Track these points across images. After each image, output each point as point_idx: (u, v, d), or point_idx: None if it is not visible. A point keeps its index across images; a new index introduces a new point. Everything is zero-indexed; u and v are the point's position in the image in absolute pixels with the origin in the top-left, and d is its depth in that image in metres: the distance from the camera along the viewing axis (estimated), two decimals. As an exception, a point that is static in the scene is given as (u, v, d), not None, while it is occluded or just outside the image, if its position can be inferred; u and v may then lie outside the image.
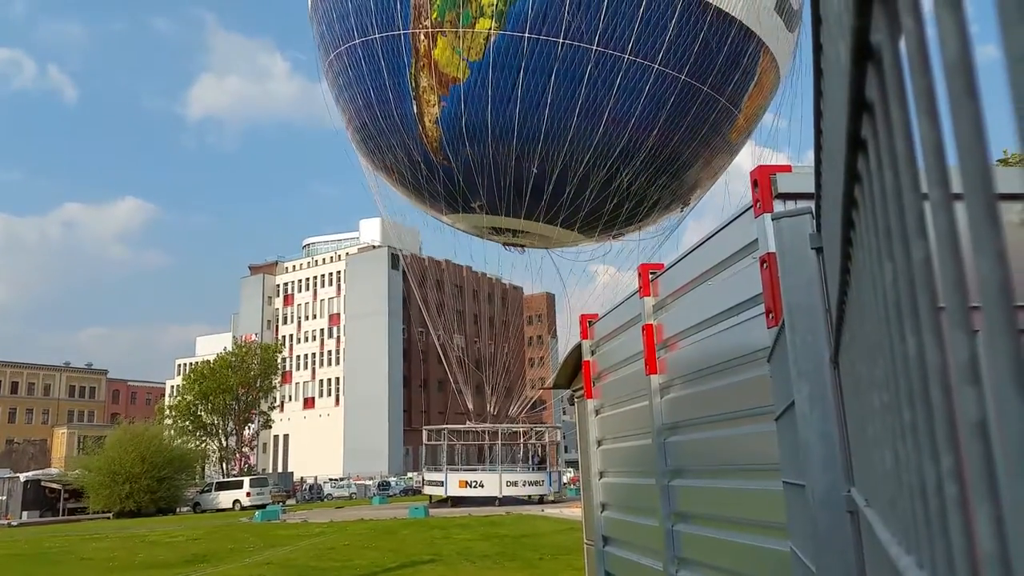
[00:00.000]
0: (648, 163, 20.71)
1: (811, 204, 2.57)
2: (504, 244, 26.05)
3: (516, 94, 19.44)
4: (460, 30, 18.91)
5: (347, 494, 61.20)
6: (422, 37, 19.33)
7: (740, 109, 21.29)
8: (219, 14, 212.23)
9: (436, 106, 20.22)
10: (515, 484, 35.74)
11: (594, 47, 18.67)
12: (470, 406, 39.22)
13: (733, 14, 19.13)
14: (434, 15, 19.02)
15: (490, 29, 18.75)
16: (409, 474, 71.14)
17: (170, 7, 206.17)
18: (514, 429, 39.13)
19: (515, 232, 24.72)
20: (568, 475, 67.01)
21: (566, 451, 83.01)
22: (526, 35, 18.63)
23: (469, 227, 25.45)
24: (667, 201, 23.33)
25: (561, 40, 18.52)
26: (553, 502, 36.59)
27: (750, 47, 19.95)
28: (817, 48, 1.36)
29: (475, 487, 35.32)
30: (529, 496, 36.27)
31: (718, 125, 21.19)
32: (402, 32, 19.42)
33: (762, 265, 3.45)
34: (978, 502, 0.45)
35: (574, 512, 23.32)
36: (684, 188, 23.37)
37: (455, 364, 37.35)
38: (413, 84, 20.15)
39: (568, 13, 18.26)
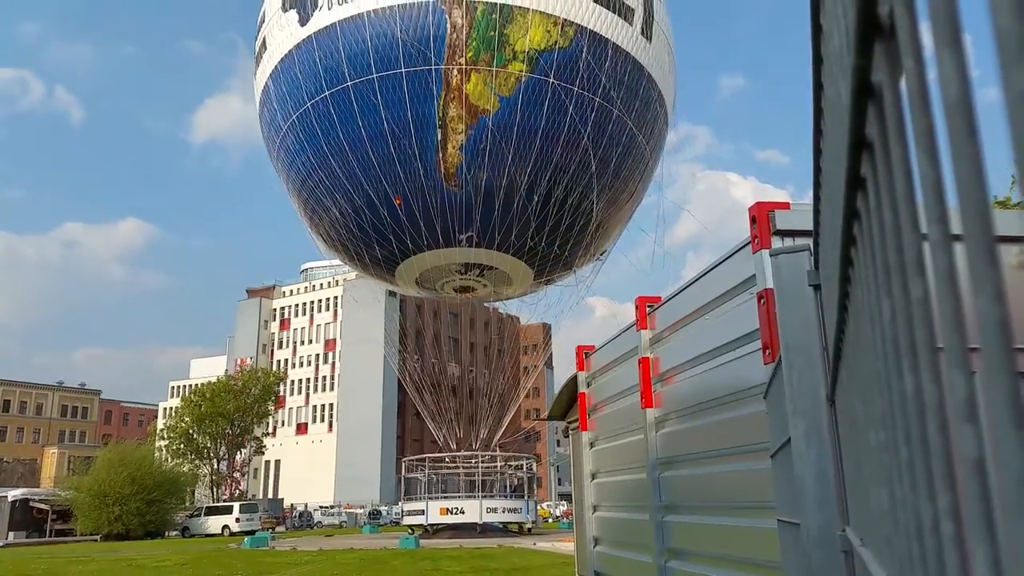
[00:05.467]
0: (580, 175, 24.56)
1: (809, 241, 2.58)
2: (455, 290, 28.80)
3: (539, 126, 22.78)
4: (494, 69, 21.86)
5: (337, 522, 60.64)
6: (455, 73, 21.85)
7: (649, 143, 25.82)
8: (227, 37, 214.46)
9: (463, 134, 22.57)
10: (495, 511, 36.54)
11: (597, 97, 23.06)
12: (452, 436, 39.76)
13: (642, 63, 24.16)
14: (469, 54, 21.77)
15: (522, 72, 22.06)
16: (399, 503, 70.61)
17: (173, 31, 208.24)
18: (491, 458, 39.49)
19: (468, 267, 27.14)
20: (562, 506, 66.48)
21: (559, 483, 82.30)
22: (551, 80, 22.29)
23: (424, 268, 27.19)
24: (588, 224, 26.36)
25: (575, 88, 22.59)
26: (530, 532, 37.22)
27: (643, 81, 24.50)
28: (817, 87, 1.38)
29: (456, 513, 35.97)
30: (506, 525, 37.06)
31: (634, 149, 25.49)
32: (434, 67, 21.81)
33: (759, 301, 3.45)
34: (975, 542, 0.45)
35: (566, 546, 23.08)
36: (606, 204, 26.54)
37: (420, 391, 38.05)
38: (441, 114, 22.36)
39: (581, 67, 22.46)
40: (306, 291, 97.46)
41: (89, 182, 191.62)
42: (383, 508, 64.40)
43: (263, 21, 26.11)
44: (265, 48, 25.62)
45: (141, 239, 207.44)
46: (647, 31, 24.24)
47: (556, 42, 22.13)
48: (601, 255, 29.38)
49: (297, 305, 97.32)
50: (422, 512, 36.75)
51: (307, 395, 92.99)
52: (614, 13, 22.96)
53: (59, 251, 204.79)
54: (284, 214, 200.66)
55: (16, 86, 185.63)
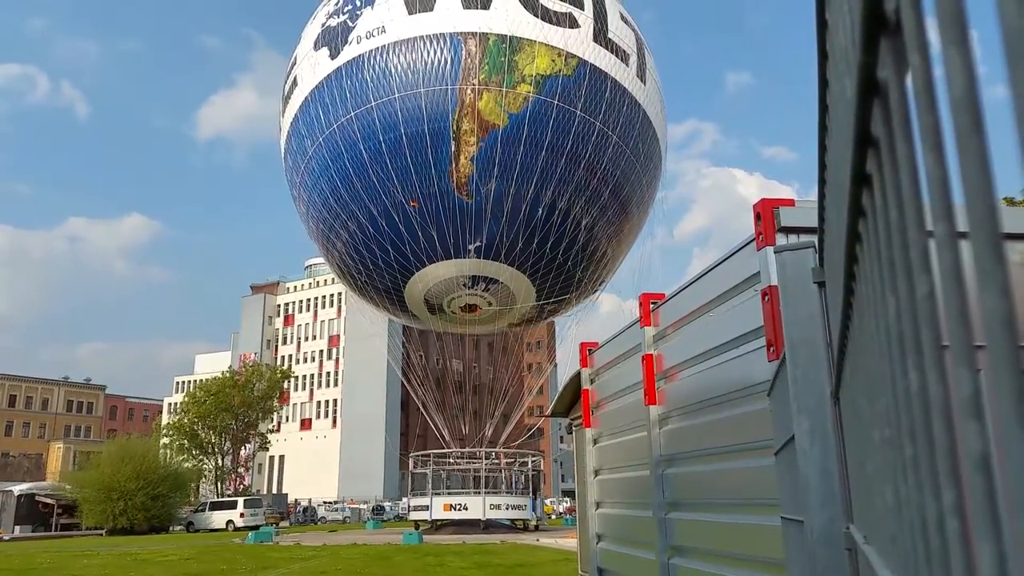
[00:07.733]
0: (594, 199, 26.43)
1: (814, 238, 2.58)
2: (461, 308, 29.67)
3: (544, 141, 24.92)
4: (503, 89, 24.52)
5: (341, 518, 60.72)
6: (469, 92, 24.49)
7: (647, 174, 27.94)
8: (235, 32, 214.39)
9: (474, 146, 24.77)
10: (498, 507, 36.59)
11: (598, 122, 25.34)
12: (456, 432, 39.81)
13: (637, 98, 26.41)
14: (482, 76, 24.53)
15: (529, 92, 24.61)
16: (404, 499, 70.83)
17: (179, 26, 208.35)
18: (497, 455, 39.50)
19: (475, 281, 28.11)
20: (565, 503, 66.52)
21: (563, 480, 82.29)
22: (555, 102, 24.71)
23: (436, 281, 28.10)
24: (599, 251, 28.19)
25: (577, 111, 24.94)
26: (536, 528, 37.17)
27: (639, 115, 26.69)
28: (823, 84, 1.37)
29: (459, 510, 36.06)
30: (513, 521, 37.18)
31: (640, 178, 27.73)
32: (450, 87, 24.51)
33: (764, 298, 3.45)
34: (980, 539, 0.45)
35: (569, 542, 23.10)
36: (615, 230, 28.35)
37: (424, 387, 38.19)
38: (455, 127, 24.70)
39: (583, 94, 25.01)
40: (310, 287, 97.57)
41: (94, 177, 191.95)
42: (387, 504, 64.48)
43: (294, 63, 28.11)
44: (296, 85, 27.56)
45: (146, 234, 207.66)
46: (641, 75, 26.74)
47: (560, 70, 24.81)
48: (600, 285, 30.86)
49: (301, 301, 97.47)
50: (427, 508, 36.90)
51: (311, 391, 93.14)
52: (612, 54, 25.71)
53: (64, 246, 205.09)
54: (289, 210, 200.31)
55: (22, 82, 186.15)
